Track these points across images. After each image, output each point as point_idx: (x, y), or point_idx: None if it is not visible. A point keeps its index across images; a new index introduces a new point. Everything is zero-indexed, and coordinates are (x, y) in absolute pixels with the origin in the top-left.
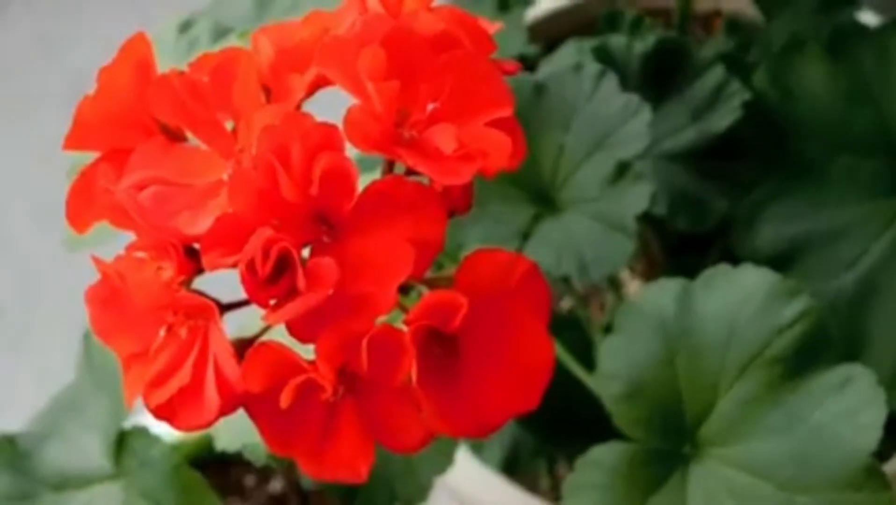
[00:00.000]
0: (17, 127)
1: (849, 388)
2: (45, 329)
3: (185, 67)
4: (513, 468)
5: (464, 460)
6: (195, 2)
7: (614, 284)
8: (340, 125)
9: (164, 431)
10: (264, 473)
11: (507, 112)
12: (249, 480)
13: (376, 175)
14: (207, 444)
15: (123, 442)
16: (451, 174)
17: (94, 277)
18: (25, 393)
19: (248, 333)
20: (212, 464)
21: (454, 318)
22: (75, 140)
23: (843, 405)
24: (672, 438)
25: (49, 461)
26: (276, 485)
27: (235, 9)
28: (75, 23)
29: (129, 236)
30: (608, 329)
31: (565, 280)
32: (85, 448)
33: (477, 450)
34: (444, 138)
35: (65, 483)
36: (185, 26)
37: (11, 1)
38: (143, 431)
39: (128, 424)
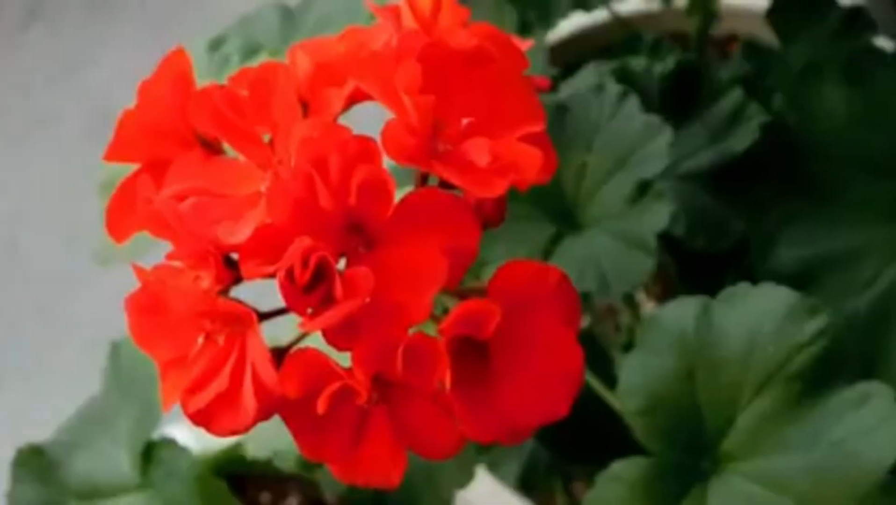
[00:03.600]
0: (37, 145)
1: (867, 405)
2: (65, 344)
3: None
4: (529, 485)
5: (480, 476)
6: (214, 23)
7: (631, 303)
8: (375, 139)
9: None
10: (280, 491)
11: (538, 127)
12: (265, 498)
13: (410, 189)
14: (224, 461)
15: (150, 453)
16: (485, 187)
17: (113, 293)
18: (46, 408)
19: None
20: (228, 481)
21: (487, 326)
22: (116, 152)
23: (861, 422)
24: (692, 453)
25: (76, 472)
26: (293, 502)
27: (262, 27)
28: (94, 44)
29: (158, 253)
30: (628, 347)
31: (585, 297)
32: (112, 459)
33: (494, 466)
34: (479, 152)
35: (92, 493)
36: (216, 44)
37: (33, 23)
38: (170, 443)
39: (154, 435)
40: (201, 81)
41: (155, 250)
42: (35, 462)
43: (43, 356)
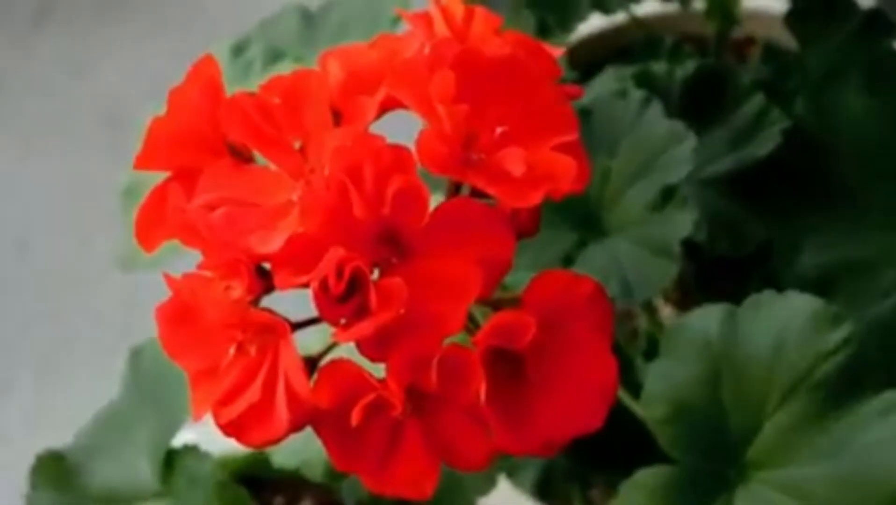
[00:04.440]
0: (48, 145)
1: (893, 413)
2: (77, 346)
3: (240, 89)
4: (546, 492)
5: (498, 483)
6: (226, 23)
7: (649, 309)
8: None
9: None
10: (294, 494)
11: (572, 136)
12: (279, 501)
13: (439, 197)
14: (240, 464)
15: (172, 460)
16: (520, 197)
17: (125, 294)
18: (58, 410)
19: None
20: (240, 484)
21: (522, 338)
22: (145, 160)
23: (887, 431)
24: (717, 462)
25: (96, 479)
26: None
27: (283, 31)
28: (106, 44)
29: (183, 259)
30: (648, 354)
31: None
32: (133, 466)
33: (511, 473)
34: (514, 162)
35: (111, 500)
36: (239, 49)
37: (43, 22)
38: (192, 450)
39: (175, 441)
40: (226, 85)
41: (180, 256)
42: (54, 468)
43: (55, 358)
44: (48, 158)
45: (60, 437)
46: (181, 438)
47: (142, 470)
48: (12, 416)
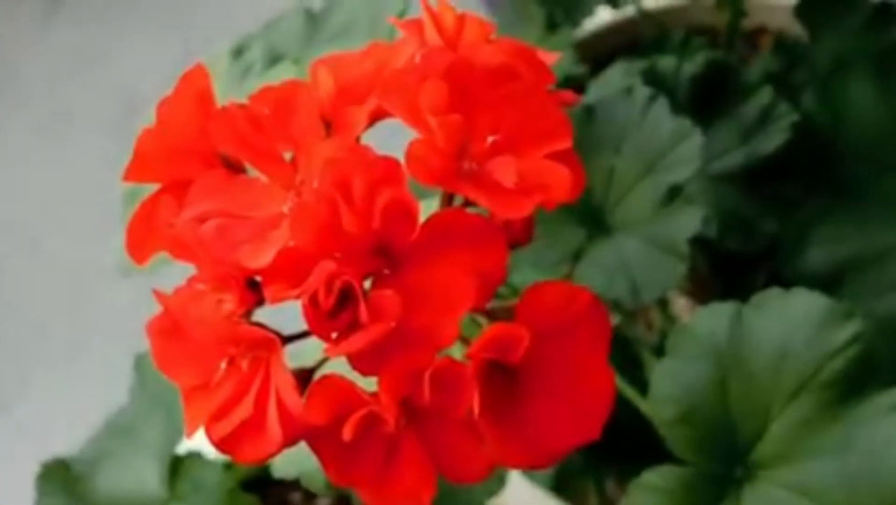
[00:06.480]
0: (59, 138)
1: None
2: (91, 341)
3: (240, 92)
4: (562, 487)
5: (513, 479)
6: (235, 19)
7: (662, 301)
8: (394, 156)
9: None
10: (311, 491)
11: (565, 144)
12: (295, 498)
13: (431, 202)
14: (246, 467)
15: (178, 467)
16: (512, 208)
17: (137, 294)
18: (67, 409)
19: (299, 361)
20: (257, 482)
21: (516, 350)
22: (136, 172)
23: (895, 429)
24: (725, 462)
25: (103, 486)
26: (323, 502)
27: (285, 33)
28: (117, 35)
29: (183, 265)
30: (659, 350)
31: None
32: (139, 473)
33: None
34: (505, 172)
35: None
36: (239, 51)
37: (54, 13)
38: (197, 457)
39: (182, 447)
40: (224, 88)
41: (180, 263)
42: (61, 475)
43: (69, 357)
44: (60, 150)
45: (75, 436)
46: (190, 443)
47: (149, 477)
48: (27, 415)
